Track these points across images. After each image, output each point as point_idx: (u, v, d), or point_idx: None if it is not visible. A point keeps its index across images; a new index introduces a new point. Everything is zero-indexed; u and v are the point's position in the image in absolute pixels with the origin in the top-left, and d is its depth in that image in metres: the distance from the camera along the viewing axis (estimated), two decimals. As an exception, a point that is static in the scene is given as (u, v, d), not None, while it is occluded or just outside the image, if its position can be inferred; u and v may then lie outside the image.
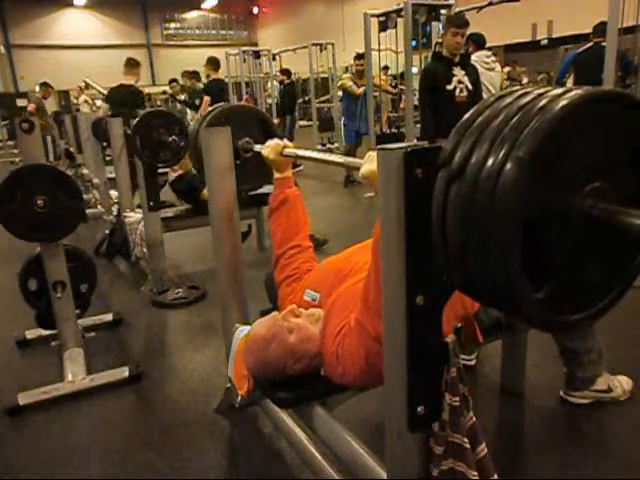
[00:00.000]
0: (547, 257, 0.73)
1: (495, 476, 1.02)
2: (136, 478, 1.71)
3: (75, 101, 11.54)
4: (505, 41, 12.54)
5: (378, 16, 5.64)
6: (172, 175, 3.83)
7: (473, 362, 2.18)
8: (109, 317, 2.87)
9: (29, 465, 1.80)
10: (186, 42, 24.13)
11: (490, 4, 5.76)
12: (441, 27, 5.19)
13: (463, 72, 4.02)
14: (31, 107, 9.61)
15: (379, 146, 0.85)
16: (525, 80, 11.09)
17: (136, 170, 3.25)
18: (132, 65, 5.63)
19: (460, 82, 3.99)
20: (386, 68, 8.27)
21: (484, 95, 4.29)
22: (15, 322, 2.79)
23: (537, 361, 2.12)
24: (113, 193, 4.51)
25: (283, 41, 17.74)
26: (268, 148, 1.70)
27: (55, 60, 20.66)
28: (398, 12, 5.33)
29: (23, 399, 2.09)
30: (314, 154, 1.63)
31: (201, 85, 8.03)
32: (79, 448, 1.88)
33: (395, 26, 5.53)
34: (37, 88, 10.63)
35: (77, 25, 21.91)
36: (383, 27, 5.61)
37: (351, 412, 1.61)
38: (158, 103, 11.09)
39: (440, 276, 0.82)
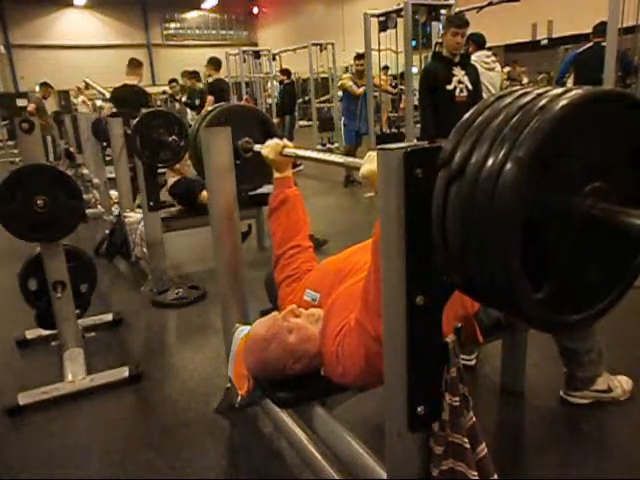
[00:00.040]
0: (547, 257, 0.73)
1: (495, 476, 1.02)
2: (136, 478, 1.71)
3: (75, 101, 11.54)
4: (505, 41, 12.53)
5: (378, 16, 5.64)
6: (170, 181, 3.83)
7: (473, 362, 2.18)
8: (109, 317, 2.87)
9: (29, 465, 1.80)
10: (186, 42, 24.13)
11: (490, 4, 5.76)
12: (441, 27, 5.19)
13: (463, 72, 4.02)
14: (31, 107, 9.61)
15: (379, 146, 0.85)
16: (525, 80, 11.09)
17: (137, 173, 3.25)
18: (135, 65, 5.67)
19: (460, 82, 3.99)
20: (386, 68, 8.27)
21: (484, 95, 4.29)
22: (15, 322, 2.79)
23: (537, 361, 2.12)
24: (113, 193, 4.52)
25: (283, 41, 17.74)
26: (268, 148, 1.70)
27: (55, 60, 20.66)
28: (398, 12, 5.33)
29: (23, 399, 2.09)
30: (314, 154, 1.63)
31: (201, 85, 8.03)
32: (79, 448, 1.88)
33: (395, 26, 5.53)
34: (37, 88, 10.62)
35: (77, 25, 21.91)
36: (383, 27, 5.61)
37: (351, 412, 1.60)
38: (158, 103, 11.08)
39: (440, 276, 0.82)
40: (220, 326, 1.91)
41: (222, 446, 1.84)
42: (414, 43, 5.44)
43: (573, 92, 0.68)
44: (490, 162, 0.68)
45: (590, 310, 0.79)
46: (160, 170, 3.30)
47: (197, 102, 7.54)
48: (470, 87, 4.02)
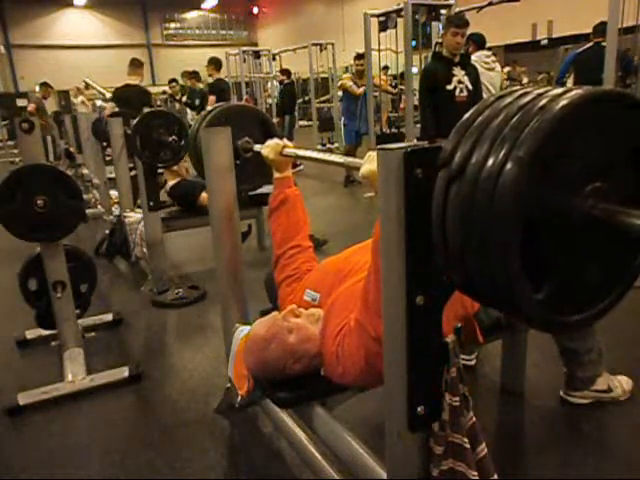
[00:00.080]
0: (547, 257, 0.73)
1: (495, 476, 1.02)
2: (136, 478, 1.71)
3: (74, 101, 11.54)
4: (505, 41, 12.54)
5: (378, 16, 5.64)
6: (170, 183, 3.82)
7: (473, 362, 2.17)
8: (109, 317, 2.87)
9: (29, 465, 1.80)
10: (186, 42, 24.14)
11: (490, 4, 5.76)
12: (441, 27, 5.19)
13: (463, 72, 4.02)
14: (31, 107, 9.61)
15: (379, 146, 0.85)
16: (525, 80, 11.09)
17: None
18: (136, 65, 5.70)
19: (460, 82, 3.99)
20: (386, 68, 8.27)
21: (484, 95, 4.29)
22: (15, 322, 2.79)
23: (537, 361, 2.12)
24: (113, 193, 4.52)
25: (283, 41, 17.75)
26: (268, 148, 1.70)
27: (55, 60, 20.67)
28: (398, 12, 5.33)
29: (23, 399, 2.09)
30: (314, 154, 1.63)
31: (201, 85, 8.04)
32: (79, 448, 1.88)
33: (395, 26, 5.53)
34: (37, 88, 10.62)
35: (77, 25, 21.92)
36: (383, 27, 5.61)
37: (351, 412, 1.60)
38: (158, 103, 11.08)
39: (440, 276, 0.82)
40: (220, 326, 1.91)
41: (222, 446, 1.84)
42: (414, 43, 5.44)
43: (573, 92, 0.68)
44: (490, 162, 0.68)
45: (590, 310, 0.79)
46: (159, 170, 3.30)
47: (197, 102, 7.55)
48: (470, 87, 4.02)
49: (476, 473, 0.97)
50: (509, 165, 0.66)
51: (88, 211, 3.31)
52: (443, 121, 3.92)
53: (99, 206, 4.99)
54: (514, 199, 0.66)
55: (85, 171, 6.10)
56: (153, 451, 1.82)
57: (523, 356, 1.96)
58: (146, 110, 3.17)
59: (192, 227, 3.75)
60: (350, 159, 1.40)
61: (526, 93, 0.72)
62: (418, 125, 4.98)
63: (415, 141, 3.84)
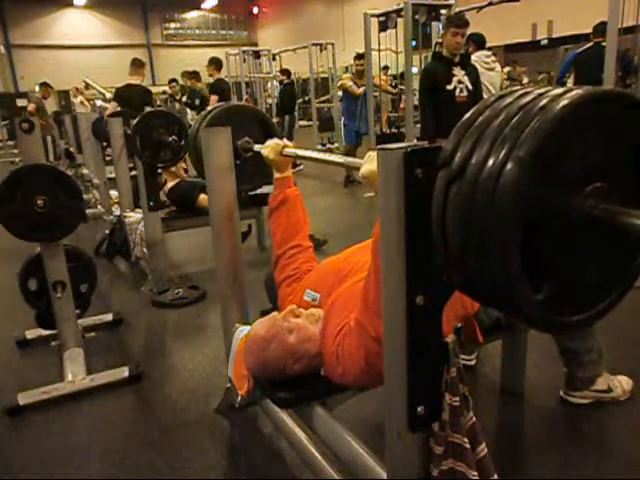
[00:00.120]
0: (547, 257, 0.73)
1: (495, 476, 1.02)
2: (136, 478, 1.71)
3: (74, 101, 11.55)
4: (505, 41, 12.54)
5: (378, 16, 5.64)
6: (168, 185, 3.82)
7: (473, 362, 2.17)
8: (109, 317, 2.87)
9: (29, 465, 1.80)
10: (186, 42, 24.14)
11: (490, 4, 5.76)
12: (441, 27, 5.19)
13: (463, 72, 4.02)
14: (31, 107, 9.61)
15: (379, 146, 0.85)
16: (525, 80, 11.09)
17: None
18: (138, 65, 5.72)
19: (460, 82, 3.99)
20: (386, 68, 8.27)
21: (484, 95, 4.29)
22: (15, 322, 2.79)
23: (537, 361, 2.12)
24: (113, 193, 4.52)
25: (283, 41, 17.75)
26: (268, 148, 1.70)
27: (55, 60, 20.67)
28: (398, 12, 5.33)
29: (23, 399, 2.09)
30: (314, 154, 1.63)
31: (201, 85, 8.03)
32: (79, 448, 1.88)
33: (395, 26, 5.53)
34: (37, 88, 10.62)
35: (77, 25, 21.92)
36: (383, 27, 5.61)
37: (351, 412, 1.60)
38: (158, 103, 11.09)
39: (440, 276, 0.82)
40: (220, 326, 1.91)
41: (222, 446, 1.84)
42: (414, 43, 5.45)
43: (573, 92, 0.68)
44: (491, 162, 0.68)
45: (590, 311, 0.79)
46: (158, 170, 3.30)
47: (197, 102, 7.55)
48: (470, 87, 4.02)
49: (476, 473, 0.97)
50: (509, 165, 0.66)
51: (88, 211, 3.31)
52: (443, 121, 3.92)
53: (99, 206, 4.99)
54: (514, 199, 0.66)
55: (85, 171, 6.10)
56: (153, 451, 1.82)
57: (523, 356, 1.96)
58: (148, 109, 3.17)
59: (192, 227, 3.75)
60: (350, 159, 1.40)
61: (526, 93, 0.72)
62: (418, 125, 4.98)
63: (415, 141, 3.84)
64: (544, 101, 0.68)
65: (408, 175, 0.80)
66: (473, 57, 4.48)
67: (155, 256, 3.28)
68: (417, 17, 5.24)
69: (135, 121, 3.02)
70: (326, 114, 11.22)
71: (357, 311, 1.24)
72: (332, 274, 1.54)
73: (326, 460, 1.44)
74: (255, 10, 24.71)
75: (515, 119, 0.68)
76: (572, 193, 0.71)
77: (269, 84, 12.16)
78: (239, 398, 1.61)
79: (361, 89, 6.52)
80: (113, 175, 4.11)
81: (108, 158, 5.10)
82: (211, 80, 6.76)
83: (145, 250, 3.41)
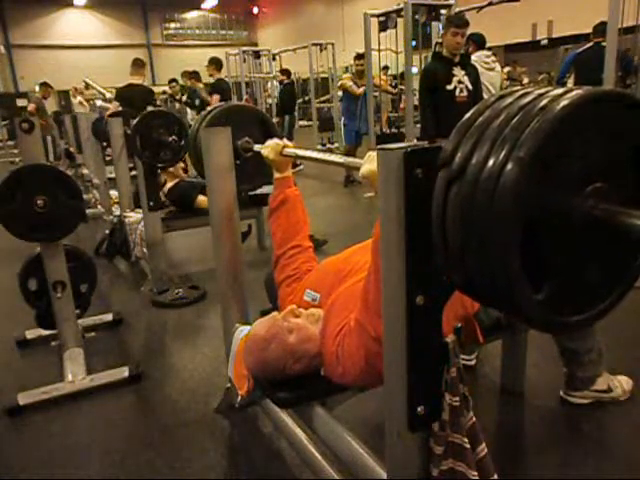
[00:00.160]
0: (547, 257, 0.73)
1: (495, 476, 1.02)
2: (136, 478, 1.71)
3: (73, 101, 11.55)
4: (505, 41, 12.54)
5: (378, 16, 5.64)
6: (168, 185, 3.82)
7: (473, 362, 2.17)
8: (109, 317, 2.87)
9: (29, 465, 1.80)
10: (186, 42, 24.14)
11: (490, 4, 5.76)
12: (441, 27, 5.20)
13: (463, 72, 4.02)
14: (31, 107, 9.62)
15: (379, 146, 0.85)
16: (525, 80, 11.09)
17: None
18: (139, 65, 5.75)
19: (460, 82, 3.99)
20: (386, 68, 8.28)
21: (484, 95, 4.29)
22: (15, 322, 2.79)
23: (537, 361, 2.12)
24: (113, 193, 4.52)
25: (283, 41, 17.75)
26: (268, 148, 1.70)
27: (55, 60, 20.67)
28: (398, 12, 5.34)
29: (23, 399, 2.09)
30: (314, 154, 1.63)
31: (201, 85, 8.04)
32: (79, 448, 1.88)
33: (395, 26, 5.53)
34: (37, 88, 10.62)
35: (77, 25, 21.92)
36: (383, 27, 5.61)
37: (351, 412, 1.60)
38: (158, 103, 11.10)
39: (440, 276, 0.82)
40: (220, 326, 1.91)
41: (222, 446, 1.84)
42: (414, 43, 5.45)
43: (573, 92, 0.68)
44: (491, 162, 0.68)
45: (591, 311, 0.79)
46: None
47: (197, 102, 7.55)
48: (470, 87, 4.02)
49: (476, 473, 0.97)
50: (510, 165, 0.66)
51: (88, 211, 3.30)
52: (443, 121, 3.92)
53: (99, 206, 4.99)
54: (514, 199, 0.66)
55: (85, 171, 6.10)
56: (153, 451, 1.82)
57: (523, 356, 1.96)
58: (150, 109, 3.17)
59: (192, 227, 3.75)
60: (350, 159, 1.40)
61: (527, 93, 0.72)
62: (418, 125, 4.98)
63: (415, 141, 3.84)
64: (544, 101, 0.68)
65: (408, 175, 0.80)
66: (473, 57, 4.48)
67: (155, 256, 3.28)
68: (417, 17, 5.24)
69: (135, 121, 3.02)
70: (326, 114, 11.22)
71: (357, 311, 1.24)
72: (332, 274, 1.54)
73: (326, 460, 1.44)
74: (255, 10, 24.71)
75: (515, 119, 0.68)
76: (572, 193, 0.71)
77: (269, 84, 12.16)
78: (239, 398, 1.61)
79: (361, 89, 6.52)
80: (113, 175, 4.11)
81: (108, 158, 5.11)
82: (211, 80, 6.77)
83: (145, 250, 3.41)
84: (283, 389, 1.41)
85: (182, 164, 3.92)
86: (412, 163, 0.80)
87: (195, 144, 2.00)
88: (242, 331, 1.71)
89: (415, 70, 5.68)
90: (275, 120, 8.23)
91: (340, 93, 7.62)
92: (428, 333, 0.90)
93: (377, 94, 6.40)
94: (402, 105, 7.23)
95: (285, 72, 9.21)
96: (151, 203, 3.15)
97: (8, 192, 2.09)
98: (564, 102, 0.66)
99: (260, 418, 1.92)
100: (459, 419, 0.95)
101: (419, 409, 0.91)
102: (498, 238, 0.68)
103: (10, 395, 2.11)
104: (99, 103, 8.01)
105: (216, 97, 6.31)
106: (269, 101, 11.88)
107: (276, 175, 1.74)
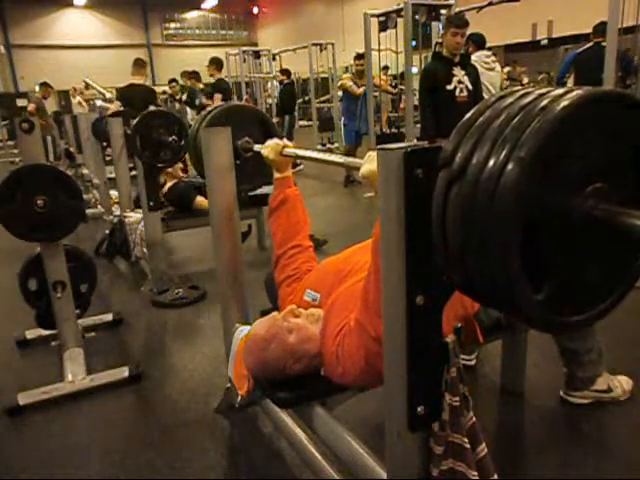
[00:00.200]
0: (548, 258, 0.73)
1: (495, 476, 1.02)
2: (136, 478, 1.71)
3: (72, 101, 11.55)
4: (505, 41, 12.54)
5: (378, 16, 5.64)
6: (167, 186, 3.82)
7: (473, 362, 2.17)
8: (109, 317, 2.87)
9: (29, 465, 1.80)
10: (186, 42, 24.14)
11: (490, 4, 5.76)
12: (441, 27, 5.20)
13: (463, 72, 4.02)
14: (31, 107, 9.62)
15: (379, 146, 0.85)
16: (525, 80, 11.09)
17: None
18: (140, 65, 5.77)
19: (460, 82, 3.99)
20: (386, 68, 8.28)
21: (484, 95, 4.29)
22: (15, 322, 2.79)
23: (537, 361, 2.12)
24: (113, 193, 4.52)
25: (283, 41, 17.75)
26: (268, 148, 1.70)
27: (55, 60, 20.67)
28: (398, 12, 5.34)
29: (23, 399, 2.09)
30: (314, 154, 1.63)
31: (201, 85, 8.05)
32: (79, 448, 1.88)
33: (395, 26, 5.53)
34: (37, 88, 10.62)
35: (77, 25, 21.92)
36: (383, 27, 5.61)
37: (351, 412, 1.60)
38: (158, 103, 11.11)
39: (440, 276, 0.82)
40: (220, 326, 1.91)
41: (222, 446, 1.84)
42: (414, 43, 5.45)
43: (574, 93, 0.68)
44: (491, 162, 0.68)
45: (591, 311, 0.79)
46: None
47: (197, 102, 7.56)
48: (470, 87, 4.02)
49: (476, 473, 0.97)
50: (510, 166, 0.66)
51: (88, 211, 3.30)
52: (443, 121, 3.92)
53: (99, 206, 4.99)
54: (515, 199, 0.66)
55: (85, 171, 6.10)
56: (153, 451, 1.82)
57: (523, 356, 1.96)
58: (152, 109, 3.18)
59: (192, 227, 3.75)
60: (350, 159, 1.40)
61: (527, 93, 0.72)
62: (418, 125, 4.98)
63: (415, 141, 3.84)
64: (545, 102, 0.68)
65: (408, 175, 0.80)
66: (473, 57, 4.48)
67: (155, 256, 3.28)
68: (417, 17, 5.24)
69: (135, 121, 3.02)
70: (326, 114, 11.22)
71: (357, 311, 1.24)
72: (332, 274, 1.54)
73: (326, 460, 1.44)
74: (255, 10, 24.70)
75: (516, 120, 0.68)
76: (572, 193, 0.71)
77: (269, 84, 12.16)
78: (239, 398, 1.61)
79: (361, 89, 6.52)
80: (113, 175, 4.11)
81: (108, 158, 5.10)
82: (212, 80, 6.78)
83: (145, 250, 3.41)
84: (283, 389, 1.41)
85: (181, 164, 3.92)
86: (412, 163, 0.80)
87: (195, 144, 2.00)
88: (242, 331, 1.71)
89: (415, 70, 5.68)
90: (275, 120, 8.23)
91: (340, 93, 7.62)
92: (428, 333, 0.90)
93: (377, 94, 6.40)
94: (402, 105, 7.23)
95: (285, 72, 9.21)
96: (151, 203, 3.15)
97: (8, 192, 2.09)
98: (564, 102, 0.66)
99: (260, 418, 1.92)
100: (459, 419, 0.95)
101: (419, 409, 0.91)
102: (498, 238, 0.68)
103: (10, 395, 2.11)
104: (99, 103, 8.02)
105: (218, 96, 6.32)
106: (269, 101, 11.88)
107: (276, 175, 1.74)
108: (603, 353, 1.85)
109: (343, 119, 7.14)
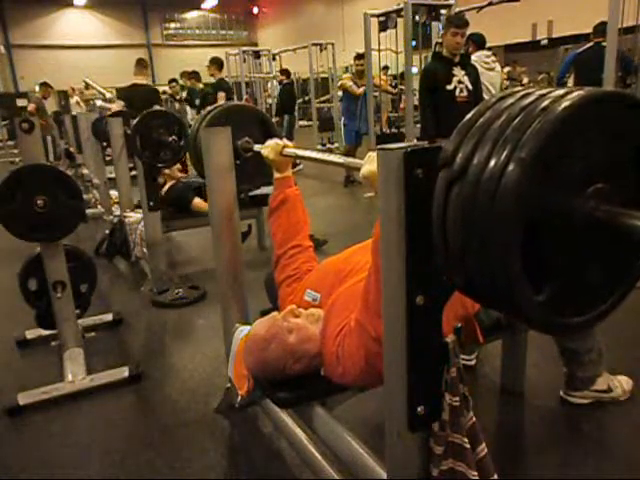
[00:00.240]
0: (548, 258, 0.73)
1: (495, 476, 1.02)
2: (136, 478, 1.71)
3: (70, 101, 11.55)
4: (505, 41, 12.54)
5: (378, 16, 5.65)
6: (166, 187, 3.83)
7: (473, 362, 2.17)
8: (109, 317, 2.87)
9: (29, 465, 1.80)
10: (186, 42, 24.14)
11: (490, 4, 5.77)
12: (441, 27, 5.20)
13: (463, 72, 4.02)
14: (31, 107, 9.62)
15: (379, 146, 0.85)
16: (525, 80, 11.09)
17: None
18: (142, 65, 5.81)
19: (460, 82, 3.99)
20: (386, 68, 8.28)
21: (484, 95, 4.29)
22: (15, 322, 2.79)
23: (537, 361, 2.12)
24: (113, 193, 4.52)
25: (283, 41, 17.74)
26: (268, 148, 1.70)
27: (55, 60, 20.66)
28: (398, 12, 5.34)
29: (23, 399, 2.09)
30: (314, 154, 1.63)
31: (201, 85, 8.05)
32: (79, 448, 1.88)
33: (395, 26, 5.54)
34: (37, 88, 10.62)
35: (77, 25, 21.92)
36: (383, 27, 5.62)
37: (351, 412, 1.60)
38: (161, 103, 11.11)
39: (440, 276, 0.82)
40: (220, 326, 1.91)
41: (222, 446, 1.84)
42: (414, 43, 5.45)
43: (575, 93, 0.68)
44: (492, 163, 0.67)
45: (592, 312, 0.79)
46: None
47: (197, 102, 7.56)
48: (470, 87, 4.02)
49: (476, 473, 0.97)
50: (511, 166, 0.65)
51: (88, 211, 3.30)
52: (443, 121, 3.92)
53: (99, 206, 4.99)
54: (516, 200, 0.65)
55: (85, 171, 6.10)
56: (153, 451, 1.82)
57: (523, 356, 1.96)
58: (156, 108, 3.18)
59: (192, 227, 3.75)
60: (350, 159, 1.40)
61: (528, 94, 0.72)
62: (418, 125, 4.98)
63: (415, 141, 3.84)
64: (546, 102, 0.68)
65: (408, 175, 0.80)
66: (473, 57, 4.48)
67: (155, 256, 3.28)
68: (417, 17, 5.24)
69: (135, 121, 3.02)
70: (326, 114, 11.22)
71: (357, 311, 1.24)
72: (332, 274, 1.54)
73: (326, 460, 1.44)
74: (255, 10, 24.70)
75: (517, 120, 0.68)
76: (574, 194, 0.71)
77: (269, 84, 12.16)
78: (239, 398, 1.61)
79: (361, 89, 6.52)
80: (113, 175, 4.11)
81: (108, 158, 5.10)
82: (212, 80, 6.79)
83: (145, 250, 3.41)
84: (283, 389, 1.41)
85: (179, 165, 3.92)
86: (412, 163, 0.80)
87: (195, 144, 2.00)
88: (242, 331, 1.71)
89: (415, 70, 5.68)
90: (274, 120, 8.23)
91: (340, 93, 7.62)
92: (428, 333, 0.90)
93: (377, 94, 6.40)
94: (402, 105, 7.23)
95: (285, 72, 9.21)
96: (151, 203, 3.15)
97: (8, 192, 2.09)
98: (565, 103, 0.66)
99: (260, 418, 1.92)
100: (459, 419, 0.95)
101: (419, 409, 0.91)
102: (499, 239, 0.67)
103: (10, 395, 2.11)
104: (99, 103, 8.01)
105: (222, 94, 6.34)
106: (269, 101, 11.88)
107: (276, 175, 1.74)
108: (603, 353, 1.85)
109: (343, 119, 7.14)
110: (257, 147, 1.82)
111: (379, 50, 6.02)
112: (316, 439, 1.46)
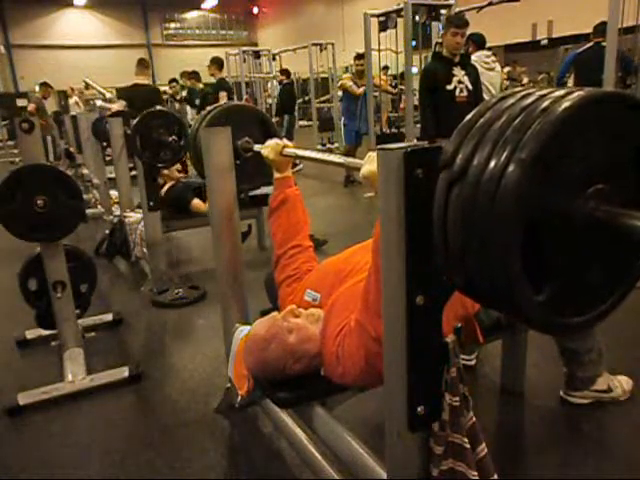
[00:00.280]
0: (549, 259, 0.73)
1: (495, 476, 1.02)
2: (136, 478, 1.71)
3: (69, 101, 11.55)
4: (505, 41, 12.54)
5: (378, 16, 5.65)
6: (166, 188, 3.83)
7: (473, 362, 2.18)
8: (109, 317, 2.87)
9: (29, 465, 1.80)
10: (186, 42, 24.13)
11: (490, 4, 5.77)
12: (441, 27, 5.20)
13: (463, 72, 4.02)
14: (31, 107, 9.61)
15: (379, 146, 0.85)
16: (525, 80, 11.09)
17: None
18: (144, 66, 5.82)
19: (460, 82, 3.99)
20: (386, 68, 8.28)
21: (484, 95, 4.29)
22: (15, 322, 2.79)
23: (537, 361, 2.12)
24: (113, 193, 4.52)
25: (283, 41, 17.74)
26: (268, 148, 1.70)
27: (55, 60, 20.65)
28: (398, 12, 5.34)
29: (23, 399, 2.09)
30: (314, 154, 1.63)
31: (201, 85, 8.05)
32: (79, 448, 1.88)
33: (395, 26, 5.54)
34: (37, 88, 10.62)
35: (77, 25, 21.91)
36: (383, 27, 5.62)
37: (351, 412, 1.60)
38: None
39: (440, 276, 0.82)
40: (220, 326, 1.91)
41: (222, 446, 1.84)
42: (414, 43, 5.45)
43: (575, 94, 0.68)
44: (492, 164, 0.67)
45: (592, 312, 0.79)
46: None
47: (197, 102, 7.56)
48: (470, 87, 4.02)
49: (476, 473, 0.97)
50: (511, 167, 0.65)
51: (88, 211, 3.30)
52: (443, 121, 3.92)
53: (99, 206, 4.99)
54: (516, 201, 0.66)
55: (85, 171, 6.10)
56: (153, 451, 1.82)
57: (523, 356, 1.96)
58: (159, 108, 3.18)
59: (191, 227, 3.75)
60: (350, 159, 1.40)
61: (528, 95, 0.72)
62: (418, 125, 4.98)
63: (415, 141, 3.84)
64: (546, 103, 0.68)
65: (408, 175, 0.80)
66: (473, 57, 4.48)
67: (155, 256, 3.28)
68: (417, 17, 5.24)
69: (135, 121, 3.02)
70: (326, 114, 11.22)
71: (357, 311, 1.24)
72: (332, 274, 1.54)
73: (326, 460, 1.44)
74: (255, 10, 24.70)
75: (517, 121, 0.68)
76: (574, 195, 0.71)
77: (269, 84, 12.17)
78: (239, 398, 1.61)
79: (361, 89, 6.52)
80: (113, 175, 4.11)
81: (108, 158, 5.11)
82: (212, 80, 6.79)
83: (145, 250, 3.41)
84: (283, 389, 1.41)
85: (178, 165, 3.92)
86: (412, 163, 0.80)
87: (195, 144, 2.00)
88: (242, 331, 1.71)
89: (415, 70, 5.68)
90: (274, 120, 8.23)
91: (340, 93, 7.62)
92: (428, 333, 0.90)
93: (377, 94, 6.40)
94: (402, 105, 7.23)
95: (284, 72, 9.21)
96: (151, 203, 3.15)
97: (8, 192, 2.09)
98: (566, 104, 0.66)
99: (260, 418, 1.93)
100: (459, 419, 0.95)
101: (419, 409, 0.91)
102: (499, 239, 0.67)
103: (10, 395, 2.11)
104: (99, 103, 8.01)
105: (223, 94, 6.34)
106: (269, 101, 11.89)
107: (276, 175, 1.74)
108: (603, 353, 1.85)
109: (343, 119, 7.14)
110: (257, 147, 1.82)
111: (379, 50, 6.02)
112: (316, 439, 1.46)
